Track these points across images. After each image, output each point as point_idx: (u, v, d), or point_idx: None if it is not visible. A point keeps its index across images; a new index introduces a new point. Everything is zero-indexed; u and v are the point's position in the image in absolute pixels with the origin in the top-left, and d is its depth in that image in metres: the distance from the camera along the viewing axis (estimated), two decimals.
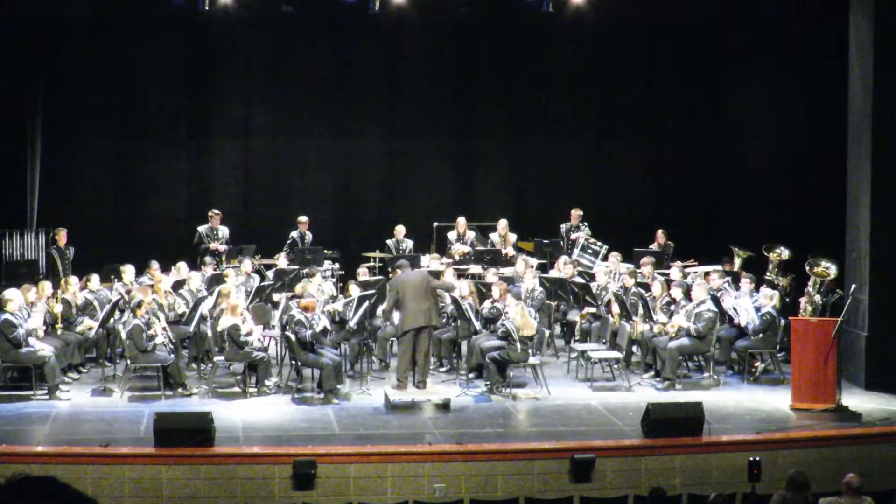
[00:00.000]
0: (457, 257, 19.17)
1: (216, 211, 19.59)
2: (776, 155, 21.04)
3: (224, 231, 19.50)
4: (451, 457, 11.94)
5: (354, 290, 15.66)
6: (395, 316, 15.15)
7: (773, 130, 21.13)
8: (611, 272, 17.44)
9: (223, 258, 18.84)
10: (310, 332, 14.02)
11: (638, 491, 11.55)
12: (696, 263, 18.48)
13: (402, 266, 15.38)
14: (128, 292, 15.81)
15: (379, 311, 16.04)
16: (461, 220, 19.78)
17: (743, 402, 14.27)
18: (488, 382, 14.62)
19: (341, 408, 13.81)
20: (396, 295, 14.48)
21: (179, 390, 14.24)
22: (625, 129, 22.20)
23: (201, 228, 19.40)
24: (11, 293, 14.31)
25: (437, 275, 15.77)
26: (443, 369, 15.83)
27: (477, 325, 15.16)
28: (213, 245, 19.15)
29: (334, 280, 18.48)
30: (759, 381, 15.39)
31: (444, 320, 15.93)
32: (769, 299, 15.45)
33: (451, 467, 11.87)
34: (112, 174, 21.38)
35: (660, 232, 19.53)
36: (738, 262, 18.29)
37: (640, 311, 15.39)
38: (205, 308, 15.42)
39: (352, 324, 14.95)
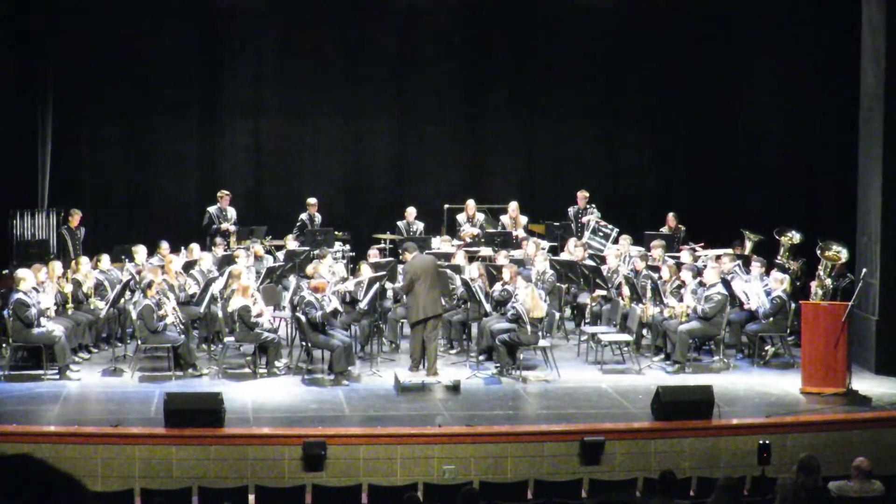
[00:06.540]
0: (467, 239, 19.17)
1: (226, 192, 19.54)
2: (787, 138, 21.00)
3: (232, 212, 19.48)
4: (460, 439, 11.97)
5: (366, 271, 15.64)
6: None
7: (784, 114, 21.05)
8: (621, 255, 17.41)
9: (233, 238, 18.82)
10: (320, 312, 14.02)
11: (647, 474, 11.55)
12: (705, 246, 18.44)
13: (409, 248, 15.07)
14: (139, 273, 15.83)
15: (389, 293, 16.07)
16: (470, 203, 19.76)
17: (753, 386, 14.27)
18: (498, 365, 14.62)
19: (351, 389, 13.82)
20: (412, 280, 14.35)
21: (190, 371, 14.26)
22: (636, 113, 22.12)
23: (211, 209, 19.37)
24: (24, 273, 14.33)
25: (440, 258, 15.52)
26: (453, 351, 15.83)
27: (487, 307, 15.15)
28: (223, 226, 19.13)
29: (345, 262, 18.49)
30: (769, 365, 15.37)
31: (454, 302, 15.95)
32: (780, 283, 15.41)
33: (460, 449, 11.89)
34: (123, 155, 21.35)
35: (671, 215, 19.49)
36: (749, 245, 18.25)
37: (651, 294, 15.38)
38: (215, 289, 15.43)
39: (362, 305, 14.95)
